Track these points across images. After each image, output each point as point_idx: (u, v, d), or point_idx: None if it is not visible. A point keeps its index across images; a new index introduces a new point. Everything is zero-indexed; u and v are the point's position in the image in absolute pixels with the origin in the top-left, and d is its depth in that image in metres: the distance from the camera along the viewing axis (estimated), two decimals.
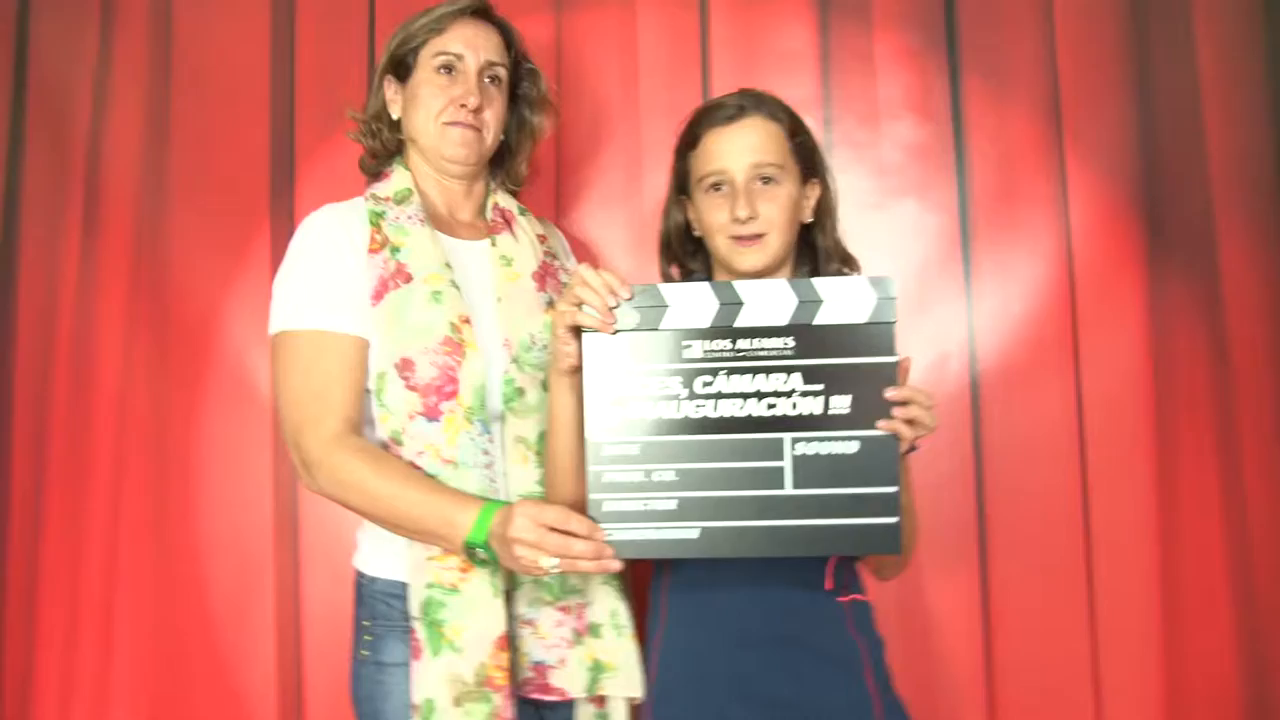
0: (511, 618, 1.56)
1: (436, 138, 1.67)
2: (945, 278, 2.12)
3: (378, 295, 1.56)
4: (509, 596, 1.55)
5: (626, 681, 1.59)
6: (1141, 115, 2.10)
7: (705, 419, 1.38)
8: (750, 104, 1.59)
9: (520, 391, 1.60)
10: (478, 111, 1.66)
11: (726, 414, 1.38)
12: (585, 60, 2.17)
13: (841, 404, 1.37)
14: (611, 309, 1.39)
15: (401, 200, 1.65)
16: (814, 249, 1.65)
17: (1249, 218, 2.08)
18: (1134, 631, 2.02)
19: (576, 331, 1.41)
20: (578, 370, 1.42)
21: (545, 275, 1.70)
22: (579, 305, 1.39)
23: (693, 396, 1.38)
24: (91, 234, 2.19)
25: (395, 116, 1.71)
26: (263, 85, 2.19)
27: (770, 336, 1.38)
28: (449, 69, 1.66)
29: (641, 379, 1.38)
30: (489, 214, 1.74)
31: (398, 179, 1.69)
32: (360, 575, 1.64)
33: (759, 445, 1.38)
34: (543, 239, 1.76)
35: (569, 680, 1.57)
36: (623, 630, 1.60)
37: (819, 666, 1.52)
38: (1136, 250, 2.08)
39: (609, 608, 1.60)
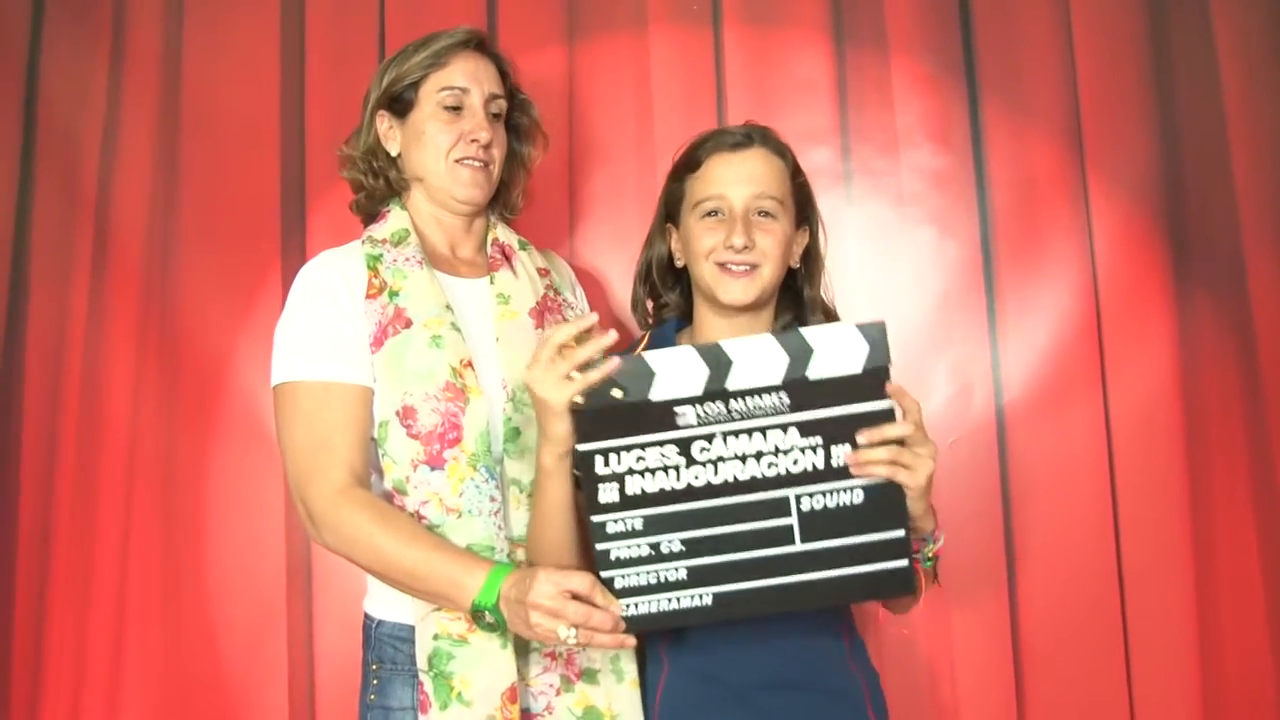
0: None
1: (447, 177, 1.64)
2: (968, 307, 2.08)
3: (377, 341, 1.54)
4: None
5: None
6: (1165, 138, 2.07)
7: (708, 485, 1.35)
8: (757, 136, 1.58)
9: (517, 432, 1.56)
10: (488, 147, 1.64)
11: (728, 477, 1.35)
12: (598, 91, 2.16)
13: (842, 454, 1.34)
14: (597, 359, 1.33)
15: (399, 242, 1.62)
16: (797, 296, 1.63)
17: (1277, 239, 2.04)
18: (1170, 662, 1.98)
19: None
20: (571, 452, 1.39)
21: (544, 311, 1.65)
22: (566, 376, 1.33)
23: (691, 464, 1.35)
24: (101, 275, 2.18)
25: (394, 153, 1.67)
26: (273, 125, 2.17)
27: (763, 395, 1.34)
28: (455, 104, 1.64)
29: (638, 452, 1.35)
30: (489, 249, 1.71)
31: (394, 220, 1.65)
32: (368, 618, 1.61)
33: (765, 505, 1.35)
34: (544, 272, 1.72)
35: None
36: (624, 676, 1.56)
37: (822, 705, 1.50)
38: (1163, 275, 2.05)
39: (609, 653, 1.56)
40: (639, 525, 1.35)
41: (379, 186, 1.68)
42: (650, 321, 1.70)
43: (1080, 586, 2.01)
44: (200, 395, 2.13)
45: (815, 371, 1.33)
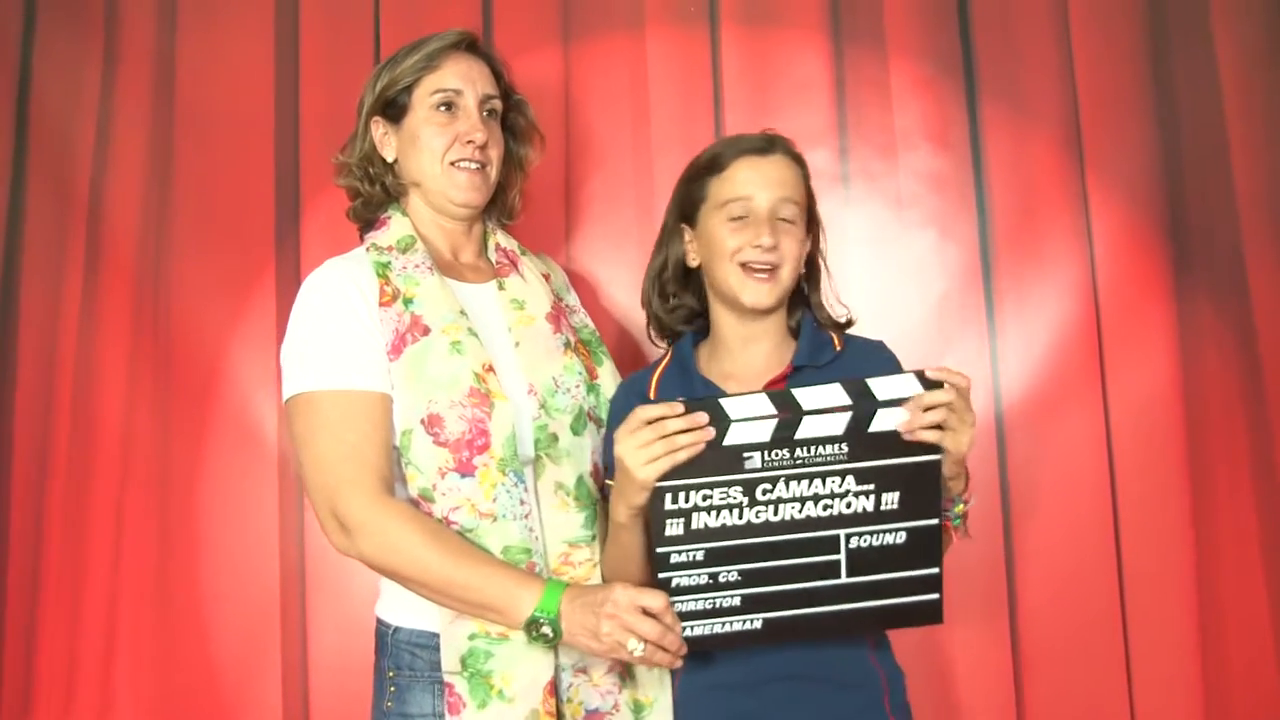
0: (561, 667, 1.53)
1: (443, 181, 1.63)
2: (966, 309, 2.08)
3: (396, 349, 1.52)
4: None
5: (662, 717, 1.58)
6: (1164, 138, 2.08)
7: (767, 523, 1.43)
8: (780, 143, 1.61)
9: (555, 437, 1.56)
10: (484, 148, 1.63)
11: (786, 517, 1.43)
12: (595, 93, 2.15)
13: (891, 500, 1.43)
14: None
15: (406, 248, 1.61)
16: (805, 298, 1.66)
17: (1277, 239, 2.05)
18: (1172, 665, 1.98)
19: None
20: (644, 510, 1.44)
21: (559, 316, 1.66)
22: (655, 457, 1.39)
23: (754, 504, 1.42)
24: (94, 276, 2.16)
25: (390, 159, 1.67)
26: (267, 126, 2.16)
27: (826, 444, 1.41)
28: (449, 106, 1.63)
29: (705, 491, 1.42)
30: (492, 255, 1.71)
31: (397, 226, 1.64)
32: (382, 623, 1.59)
33: (817, 542, 1.44)
34: (546, 277, 1.72)
35: None
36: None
37: (832, 697, 1.52)
38: (1163, 276, 2.05)
39: None
40: (700, 557, 1.43)
41: (375, 193, 1.67)
42: (656, 326, 1.71)
43: (1080, 588, 2.01)
44: (194, 397, 2.12)
45: (876, 425, 1.41)
